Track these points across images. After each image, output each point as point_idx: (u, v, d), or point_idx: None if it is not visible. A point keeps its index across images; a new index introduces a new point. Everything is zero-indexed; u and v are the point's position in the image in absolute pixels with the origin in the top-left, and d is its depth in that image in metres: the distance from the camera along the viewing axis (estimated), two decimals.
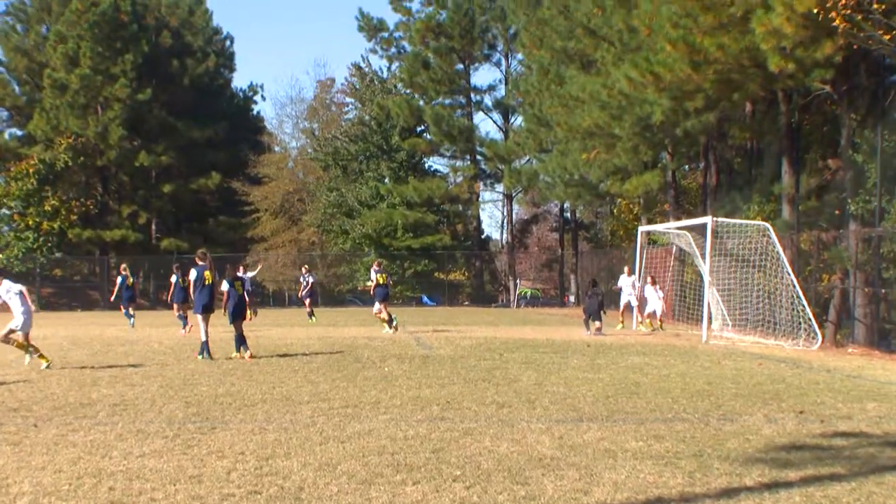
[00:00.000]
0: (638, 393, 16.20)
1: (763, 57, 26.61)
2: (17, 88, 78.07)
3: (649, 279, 35.60)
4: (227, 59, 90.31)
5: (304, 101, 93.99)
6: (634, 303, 36.54)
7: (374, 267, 33.65)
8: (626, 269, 37.63)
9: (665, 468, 9.99)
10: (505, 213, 79.65)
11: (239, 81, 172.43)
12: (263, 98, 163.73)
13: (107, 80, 71.95)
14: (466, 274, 79.49)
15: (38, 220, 68.46)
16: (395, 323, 33.10)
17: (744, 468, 10.04)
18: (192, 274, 23.10)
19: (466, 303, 73.10)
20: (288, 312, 58.07)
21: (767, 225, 30.34)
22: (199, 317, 23.01)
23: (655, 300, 34.94)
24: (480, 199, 79.24)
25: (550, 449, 10.97)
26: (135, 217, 77.44)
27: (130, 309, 37.28)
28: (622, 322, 36.62)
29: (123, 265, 38.28)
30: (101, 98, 72.63)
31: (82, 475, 9.53)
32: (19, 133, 79.16)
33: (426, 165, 77.11)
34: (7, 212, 70.77)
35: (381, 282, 32.82)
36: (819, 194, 38.12)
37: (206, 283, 22.94)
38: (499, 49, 73.00)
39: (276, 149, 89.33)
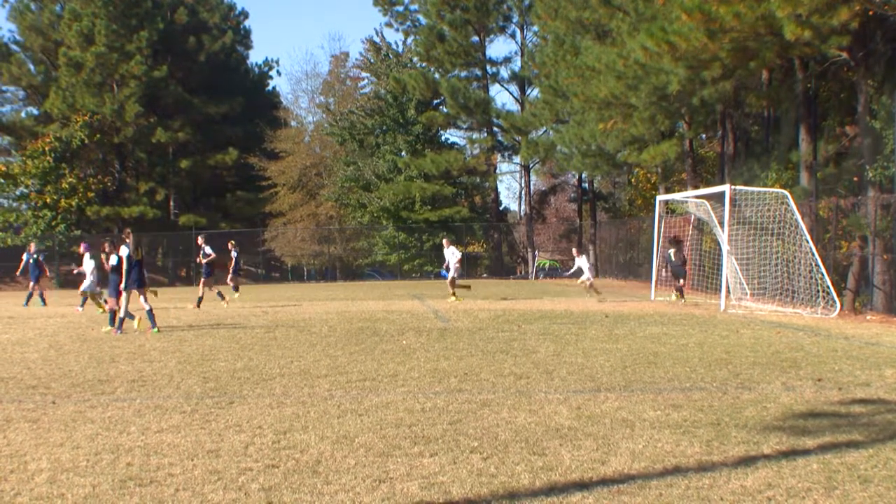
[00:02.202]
0: (656, 362, 16.19)
1: (779, 24, 26.46)
2: (32, 67, 78.24)
3: (574, 250, 37.58)
4: (243, 36, 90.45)
5: (320, 76, 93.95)
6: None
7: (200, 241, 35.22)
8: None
9: (682, 437, 9.98)
10: (522, 185, 79.69)
11: (254, 57, 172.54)
12: (279, 73, 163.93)
13: (122, 57, 72.07)
14: (485, 246, 79.54)
15: (55, 197, 68.64)
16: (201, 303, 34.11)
17: (761, 436, 10.02)
18: (123, 251, 23.41)
19: (485, 275, 73.16)
20: (306, 287, 58.19)
21: (786, 192, 30.23)
22: (136, 292, 23.51)
23: (586, 268, 36.10)
24: (498, 170, 79.34)
25: (568, 419, 10.97)
26: (153, 193, 77.70)
27: (37, 287, 37.09)
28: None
29: (32, 243, 38.07)
30: (117, 75, 72.76)
31: (100, 451, 9.57)
32: (35, 112, 79.39)
33: (443, 138, 76.93)
34: (25, 190, 70.95)
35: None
36: (837, 161, 38.03)
37: (137, 259, 23.56)
38: (514, 20, 72.82)
39: (293, 123, 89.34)
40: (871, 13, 27.16)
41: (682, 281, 35.09)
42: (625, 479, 8.29)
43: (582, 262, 36.36)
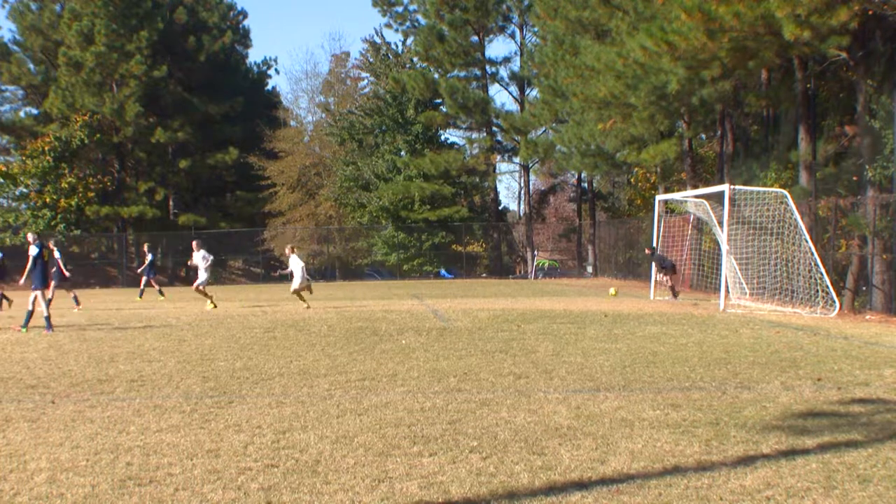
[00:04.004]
0: (655, 362, 16.19)
1: (778, 24, 26.42)
2: (32, 67, 78.22)
3: (288, 248, 34.99)
4: (242, 36, 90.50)
5: (320, 76, 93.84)
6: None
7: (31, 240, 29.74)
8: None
9: (682, 437, 9.98)
10: (522, 185, 79.71)
11: (253, 56, 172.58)
12: (277, 72, 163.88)
13: (122, 57, 72.03)
14: (484, 246, 79.42)
15: (55, 197, 68.64)
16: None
17: (760, 436, 10.03)
18: (33, 251, 24.34)
19: (484, 275, 73.08)
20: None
21: (785, 192, 30.24)
22: (40, 292, 24.27)
23: (298, 271, 32.71)
24: (497, 170, 79.17)
25: (567, 419, 10.97)
26: (152, 193, 77.65)
27: None
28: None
29: None
30: (117, 75, 72.72)
31: (99, 451, 9.57)
32: (35, 111, 79.39)
33: (442, 138, 76.76)
34: (24, 190, 70.97)
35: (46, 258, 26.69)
36: (836, 161, 38.02)
37: (45, 259, 24.77)
38: (513, 20, 72.72)
39: (292, 123, 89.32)
40: (870, 13, 27.15)
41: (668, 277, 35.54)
42: (624, 479, 8.29)
43: (294, 262, 32.98)
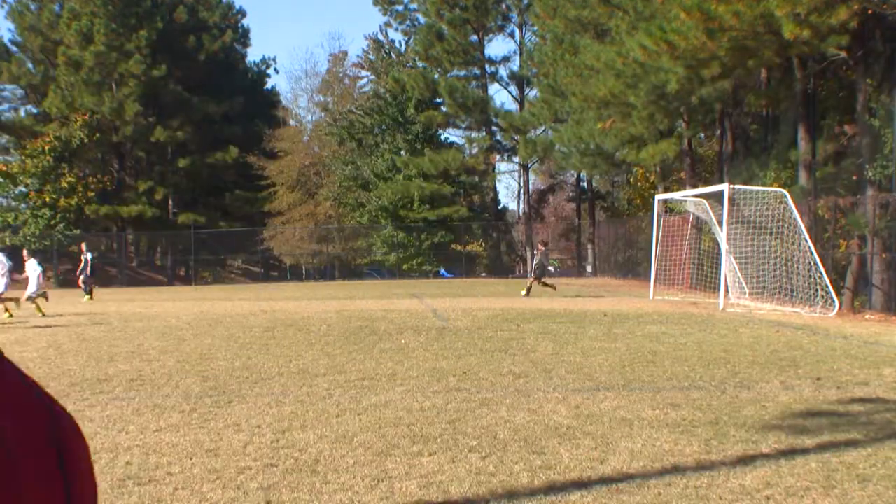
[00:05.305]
0: (654, 361, 16.18)
1: (778, 24, 26.43)
2: (31, 67, 78.18)
3: (25, 253, 33.52)
4: (241, 35, 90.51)
5: (319, 75, 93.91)
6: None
7: None
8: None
9: (681, 436, 9.97)
10: (521, 184, 79.71)
11: (252, 55, 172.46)
12: (276, 71, 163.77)
13: (121, 56, 72.03)
14: (483, 245, 79.44)
15: (54, 196, 68.59)
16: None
17: (760, 435, 10.02)
18: None
19: (484, 274, 73.08)
20: (305, 286, 58.13)
21: (784, 192, 30.23)
22: None
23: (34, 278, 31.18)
24: (496, 170, 79.28)
25: (567, 418, 10.96)
26: (152, 192, 77.64)
27: None
28: None
29: None
30: (116, 74, 72.74)
31: (99, 450, 9.55)
32: (35, 111, 79.38)
33: (442, 137, 76.84)
34: (24, 189, 70.94)
35: None
36: (836, 160, 38.01)
37: None
38: (513, 20, 72.90)
39: (292, 122, 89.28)
40: (869, 12, 27.16)
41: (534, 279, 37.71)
42: (623, 478, 8.28)
43: (31, 268, 30.98)
